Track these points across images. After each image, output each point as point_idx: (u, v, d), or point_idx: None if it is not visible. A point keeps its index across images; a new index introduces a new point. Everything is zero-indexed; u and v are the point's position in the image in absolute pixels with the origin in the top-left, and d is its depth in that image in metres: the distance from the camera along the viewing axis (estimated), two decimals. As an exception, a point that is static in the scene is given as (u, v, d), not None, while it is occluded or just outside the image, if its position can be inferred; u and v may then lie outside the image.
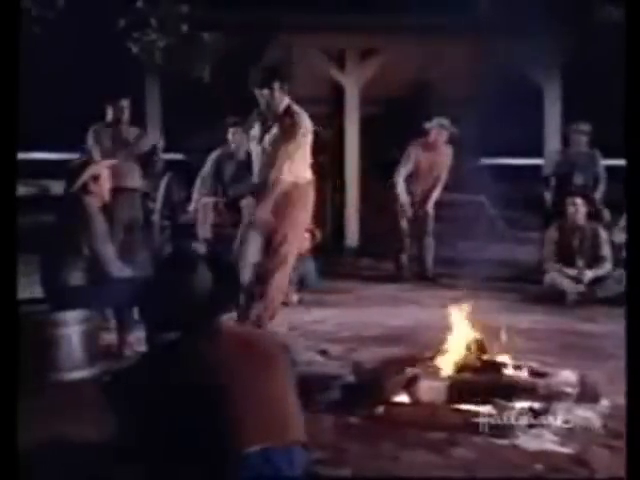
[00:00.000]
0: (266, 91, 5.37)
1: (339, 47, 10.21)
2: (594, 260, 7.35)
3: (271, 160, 5.42)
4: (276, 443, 2.49)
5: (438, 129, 8.36)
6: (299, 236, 5.67)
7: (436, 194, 8.50)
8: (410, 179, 8.49)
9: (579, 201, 7.45)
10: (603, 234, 7.44)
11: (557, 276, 7.31)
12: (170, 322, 2.58)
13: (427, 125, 8.41)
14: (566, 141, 8.72)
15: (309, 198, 5.57)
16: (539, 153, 10.06)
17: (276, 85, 5.38)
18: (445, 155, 8.48)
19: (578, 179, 8.01)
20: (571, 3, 8.99)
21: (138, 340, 5.04)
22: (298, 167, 5.46)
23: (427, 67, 10.26)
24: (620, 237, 7.52)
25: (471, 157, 9.65)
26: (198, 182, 7.73)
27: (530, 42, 8.72)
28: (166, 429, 2.41)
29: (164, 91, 10.07)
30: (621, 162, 8.89)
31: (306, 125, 5.42)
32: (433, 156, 8.46)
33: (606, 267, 7.34)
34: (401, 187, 8.44)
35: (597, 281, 7.29)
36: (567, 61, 9.76)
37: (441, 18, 9.00)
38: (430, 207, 8.47)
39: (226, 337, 2.61)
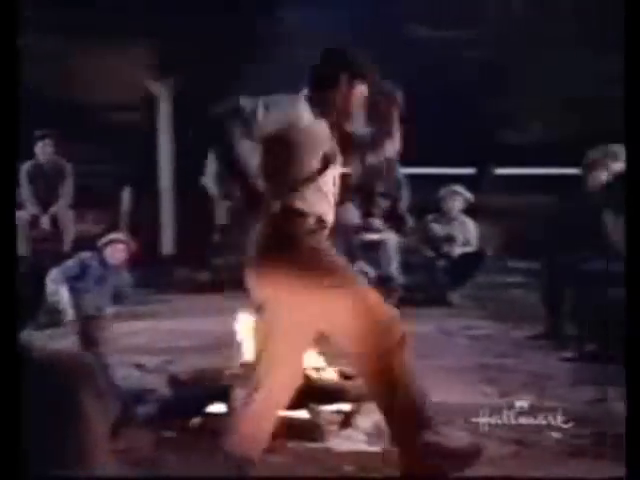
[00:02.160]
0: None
1: (154, 54, 10.15)
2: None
3: None
4: (81, 469, 2.48)
5: None
6: None
7: None
8: (224, 182, 8.60)
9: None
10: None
11: (363, 265, 7.71)
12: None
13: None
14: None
15: None
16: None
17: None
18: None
19: (379, 187, 8.34)
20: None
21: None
22: None
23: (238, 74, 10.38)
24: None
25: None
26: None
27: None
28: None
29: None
30: (424, 170, 9.36)
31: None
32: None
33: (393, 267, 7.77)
34: (212, 188, 8.56)
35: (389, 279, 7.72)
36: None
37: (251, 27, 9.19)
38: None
39: (33, 356, 2.58)
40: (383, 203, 8.15)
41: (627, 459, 2.79)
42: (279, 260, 3.35)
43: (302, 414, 4.10)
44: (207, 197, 8.80)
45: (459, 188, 8.17)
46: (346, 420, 4.14)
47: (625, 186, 5.86)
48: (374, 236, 7.82)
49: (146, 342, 6.14)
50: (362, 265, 7.73)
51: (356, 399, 4.25)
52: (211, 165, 8.71)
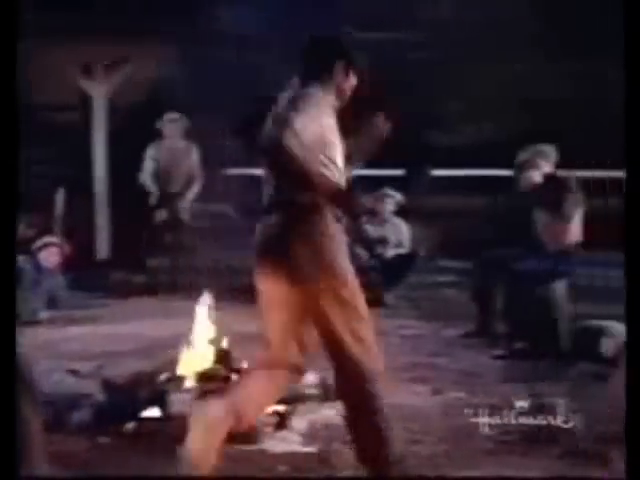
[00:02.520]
0: None
1: (87, 54, 10.04)
2: None
3: None
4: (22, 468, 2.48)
5: (168, 124, 8.57)
6: None
7: (191, 195, 8.64)
8: (159, 181, 8.63)
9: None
10: None
11: None
12: None
13: (158, 124, 8.62)
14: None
15: None
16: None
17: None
18: (183, 151, 8.67)
19: None
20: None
21: None
22: None
23: (172, 73, 10.33)
24: None
25: (217, 167, 9.83)
26: None
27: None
28: None
29: None
30: (357, 172, 9.45)
31: None
32: (171, 152, 8.63)
33: None
34: (149, 186, 8.59)
35: None
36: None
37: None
38: (185, 206, 8.60)
39: None
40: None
41: (627, 459, 2.82)
42: (289, 252, 3.28)
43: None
44: (143, 199, 8.75)
45: (390, 190, 8.24)
46: (281, 422, 4.18)
47: (557, 187, 6.02)
48: None
49: (81, 346, 6.08)
50: None
51: (291, 400, 4.28)
52: (148, 162, 8.69)
